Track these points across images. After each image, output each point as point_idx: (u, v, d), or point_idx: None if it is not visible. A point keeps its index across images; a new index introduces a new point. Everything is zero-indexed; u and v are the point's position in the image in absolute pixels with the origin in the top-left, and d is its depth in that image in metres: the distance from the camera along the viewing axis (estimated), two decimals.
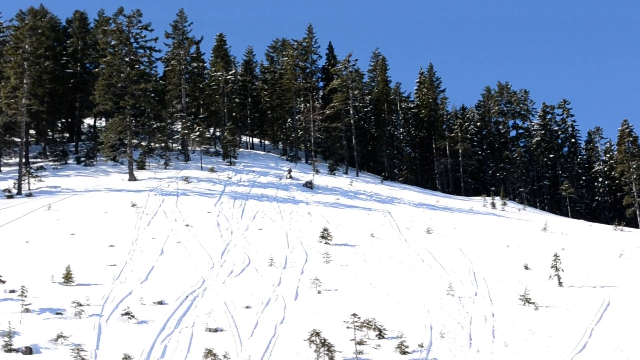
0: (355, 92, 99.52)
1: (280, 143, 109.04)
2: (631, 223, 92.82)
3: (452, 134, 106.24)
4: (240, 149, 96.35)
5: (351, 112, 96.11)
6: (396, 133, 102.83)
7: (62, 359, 26.19)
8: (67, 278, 34.71)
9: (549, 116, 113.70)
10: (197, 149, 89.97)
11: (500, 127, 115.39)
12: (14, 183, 64.83)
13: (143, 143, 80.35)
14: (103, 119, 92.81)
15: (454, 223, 60.65)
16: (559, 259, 40.80)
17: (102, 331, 29.16)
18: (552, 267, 40.83)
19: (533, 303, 36.01)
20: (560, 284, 40.38)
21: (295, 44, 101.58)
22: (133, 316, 30.53)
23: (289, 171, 78.72)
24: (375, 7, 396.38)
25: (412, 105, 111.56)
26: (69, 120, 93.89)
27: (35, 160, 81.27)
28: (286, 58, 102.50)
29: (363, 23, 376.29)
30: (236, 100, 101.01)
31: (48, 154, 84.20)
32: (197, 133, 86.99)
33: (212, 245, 45.19)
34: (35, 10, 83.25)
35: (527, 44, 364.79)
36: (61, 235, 45.37)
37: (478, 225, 60.98)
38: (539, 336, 31.93)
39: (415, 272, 42.13)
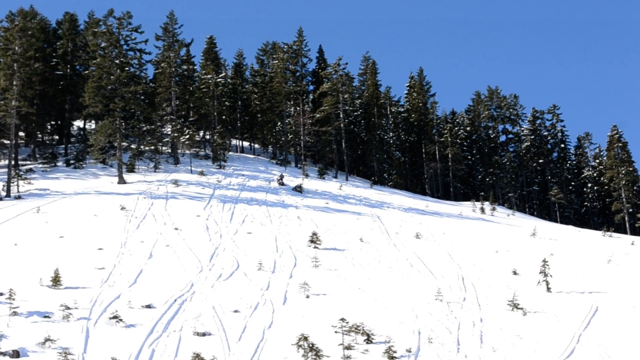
0: (346, 96, 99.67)
1: (270, 147, 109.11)
2: (620, 229, 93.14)
3: (442, 139, 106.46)
4: (230, 153, 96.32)
5: (341, 116, 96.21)
6: (386, 137, 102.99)
7: None
8: (56, 281, 34.59)
9: (538, 121, 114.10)
10: (187, 152, 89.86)
11: (490, 132, 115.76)
12: (3, 185, 64.54)
13: (133, 146, 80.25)
14: (93, 121, 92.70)
15: (443, 228, 60.72)
16: (548, 265, 40.87)
17: (89, 335, 29.08)
18: (540, 272, 40.91)
19: (521, 308, 36.08)
20: (548, 289, 40.46)
21: (286, 47, 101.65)
22: (121, 320, 30.46)
23: (281, 177, 77.32)
24: (365, 9, 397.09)
25: (402, 110, 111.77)
26: (59, 122, 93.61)
27: (24, 162, 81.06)
28: (276, 61, 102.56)
29: (353, 24, 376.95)
30: (226, 103, 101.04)
31: (37, 156, 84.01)
32: (187, 136, 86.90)
33: (201, 249, 45.12)
34: (25, 12, 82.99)
35: (518, 46, 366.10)
36: (50, 238, 45.22)
37: (467, 230, 61.06)
38: (527, 341, 31.99)
39: (404, 277, 42.15)
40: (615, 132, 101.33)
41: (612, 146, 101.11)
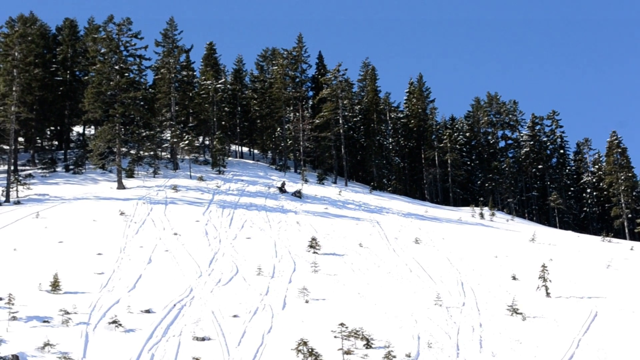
0: (345, 102, 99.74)
1: (269, 152, 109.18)
2: (619, 234, 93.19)
3: (441, 144, 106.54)
4: (230, 158, 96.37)
5: (340, 121, 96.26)
6: (385, 143, 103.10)
7: None
8: (55, 286, 34.57)
9: (538, 127, 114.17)
10: (186, 157, 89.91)
11: (490, 137, 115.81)
12: (2, 191, 64.57)
13: (132, 151, 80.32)
14: (92, 127, 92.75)
15: (442, 233, 60.74)
16: (547, 270, 40.88)
17: (89, 339, 29.05)
18: (539, 277, 40.91)
19: (520, 313, 36.09)
20: (548, 294, 40.46)
21: (285, 53, 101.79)
22: (120, 324, 30.43)
23: (282, 185, 76.27)
24: (365, 10, 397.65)
25: (402, 115, 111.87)
26: (58, 128, 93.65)
27: (23, 167, 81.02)
28: (276, 67, 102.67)
29: (353, 26, 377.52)
30: (226, 109, 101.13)
31: (37, 161, 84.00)
32: (187, 142, 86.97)
33: (200, 254, 45.11)
34: (25, 18, 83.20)
35: (518, 47, 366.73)
36: (49, 243, 45.21)
37: (466, 236, 61.08)
38: (527, 346, 31.98)
39: (403, 282, 42.15)
40: (615, 137, 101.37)
41: (612, 152, 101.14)
